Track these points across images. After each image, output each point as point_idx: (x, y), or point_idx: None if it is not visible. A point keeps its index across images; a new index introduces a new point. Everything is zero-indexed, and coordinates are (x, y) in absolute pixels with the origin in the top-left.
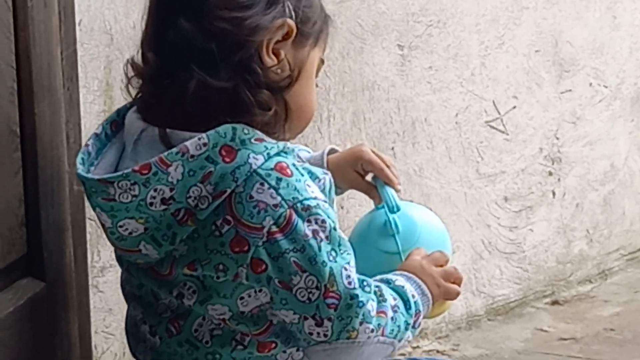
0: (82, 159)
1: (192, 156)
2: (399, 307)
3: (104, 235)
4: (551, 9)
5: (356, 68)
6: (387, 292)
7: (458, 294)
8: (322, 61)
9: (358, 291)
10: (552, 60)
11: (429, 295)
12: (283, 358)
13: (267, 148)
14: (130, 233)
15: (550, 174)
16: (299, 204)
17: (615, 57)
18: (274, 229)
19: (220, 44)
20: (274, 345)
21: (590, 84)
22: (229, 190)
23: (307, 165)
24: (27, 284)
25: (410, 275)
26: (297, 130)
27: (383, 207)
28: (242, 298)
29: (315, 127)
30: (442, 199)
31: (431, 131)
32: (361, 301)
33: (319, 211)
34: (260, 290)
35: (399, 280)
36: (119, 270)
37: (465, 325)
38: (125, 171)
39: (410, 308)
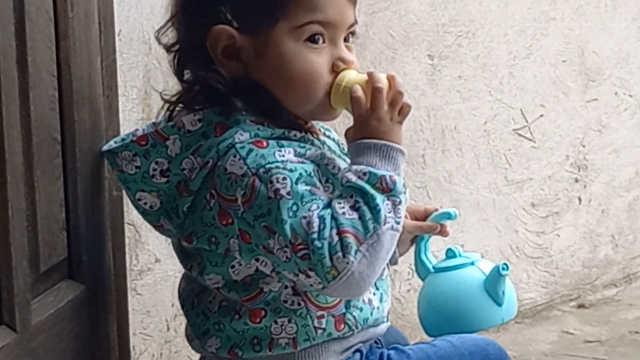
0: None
1: (188, 131)
2: (358, 201)
3: (142, 240)
4: (578, 19)
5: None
6: (342, 205)
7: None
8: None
9: (315, 234)
10: (579, 70)
11: (386, 142)
12: (277, 331)
13: (259, 129)
14: (150, 207)
15: (577, 180)
16: (261, 169)
17: None
18: (244, 199)
19: (186, 47)
20: (263, 313)
21: (616, 93)
22: (211, 162)
23: (301, 159)
24: (67, 287)
25: (360, 142)
26: (298, 102)
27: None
28: (232, 267)
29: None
30: (471, 205)
31: (460, 139)
32: (320, 241)
33: (280, 170)
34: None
35: (349, 172)
36: (156, 273)
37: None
38: (125, 141)
39: (367, 192)
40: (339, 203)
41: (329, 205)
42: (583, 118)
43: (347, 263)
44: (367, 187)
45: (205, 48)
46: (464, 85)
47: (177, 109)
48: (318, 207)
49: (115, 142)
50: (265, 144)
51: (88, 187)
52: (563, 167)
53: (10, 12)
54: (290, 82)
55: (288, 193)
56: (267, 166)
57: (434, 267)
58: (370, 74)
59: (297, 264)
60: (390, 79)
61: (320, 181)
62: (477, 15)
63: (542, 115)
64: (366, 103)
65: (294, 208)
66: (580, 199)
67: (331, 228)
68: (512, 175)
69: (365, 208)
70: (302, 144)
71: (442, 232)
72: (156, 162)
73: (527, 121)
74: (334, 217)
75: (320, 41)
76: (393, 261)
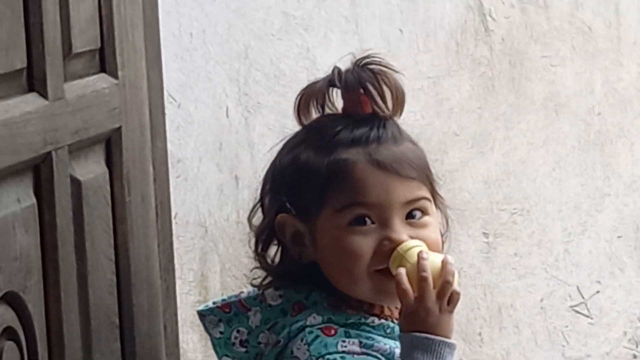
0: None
1: (270, 305)
2: None
3: None
4: (632, 195)
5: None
6: None
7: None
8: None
9: None
10: (634, 245)
11: (434, 337)
12: None
13: (333, 314)
14: None
15: (635, 357)
16: (320, 359)
17: None
18: None
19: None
20: None
21: None
22: (282, 341)
23: (367, 350)
24: None
25: (406, 335)
26: (344, 285)
27: None
28: None
29: None
30: None
31: (517, 316)
32: None
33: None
34: None
35: None
36: None
37: None
38: (211, 306)
39: None
40: None
41: None
42: None
43: None
44: None
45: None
46: (520, 263)
47: None
48: None
49: (206, 305)
50: (333, 331)
51: None
52: (621, 344)
53: (68, 197)
54: (334, 264)
55: None
56: (327, 357)
57: None
58: (421, 261)
59: None
60: (444, 263)
61: None
62: (531, 192)
63: (598, 292)
64: (413, 292)
65: None
66: None
67: None
68: (570, 352)
69: None
70: (373, 334)
71: None
72: (237, 331)
73: (583, 297)
74: None
75: (369, 222)
76: None
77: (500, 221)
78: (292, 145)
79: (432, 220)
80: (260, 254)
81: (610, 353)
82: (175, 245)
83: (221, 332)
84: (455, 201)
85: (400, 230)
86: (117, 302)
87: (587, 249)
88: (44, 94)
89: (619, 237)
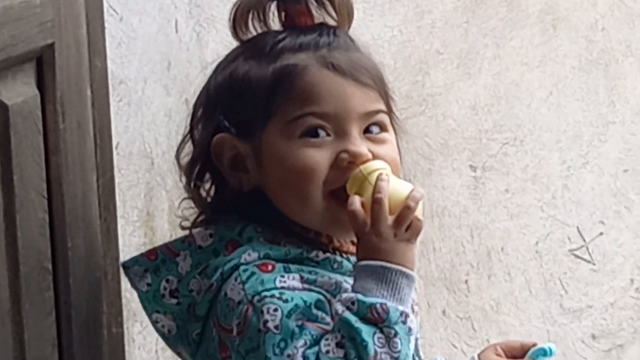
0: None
1: (199, 247)
2: (344, 337)
3: None
4: None
5: (424, 192)
6: (329, 342)
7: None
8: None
9: None
10: None
11: (384, 263)
12: None
13: (271, 249)
14: (169, 331)
15: None
16: (256, 297)
17: None
18: (238, 329)
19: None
20: None
21: None
22: (215, 285)
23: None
24: None
25: (358, 264)
26: (294, 208)
27: None
28: None
29: None
30: (522, 337)
31: (509, 261)
32: None
33: (274, 300)
34: None
35: (337, 302)
36: None
37: None
38: (136, 255)
39: (351, 326)
40: (326, 340)
41: (320, 340)
42: None
43: None
44: (353, 319)
45: (212, 161)
46: (512, 200)
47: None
48: (305, 343)
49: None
50: (271, 267)
51: (84, 323)
52: (627, 293)
53: None
54: (284, 183)
55: (276, 327)
56: (263, 294)
57: None
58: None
59: None
60: (410, 189)
61: (326, 312)
62: (525, 119)
63: (601, 233)
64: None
65: (281, 345)
66: None
67: None
68: (569, 302)
69: (349, 345)
70: (318, 269)
71: None
72: (166, 280)
73: (584, 240)
74: (318, 357)
75: (323, 134)
76: None
77: (490, 152)
78: (227, 62)
79: (391, 137)
80: (193, 188)
81: (615, 304)
82: (116, 180)
83: (148, 285)
84: (439, 129)
85: (360, 144)
86: (50, 244)
87: (589, 185)
88: None
89: (624, 170)
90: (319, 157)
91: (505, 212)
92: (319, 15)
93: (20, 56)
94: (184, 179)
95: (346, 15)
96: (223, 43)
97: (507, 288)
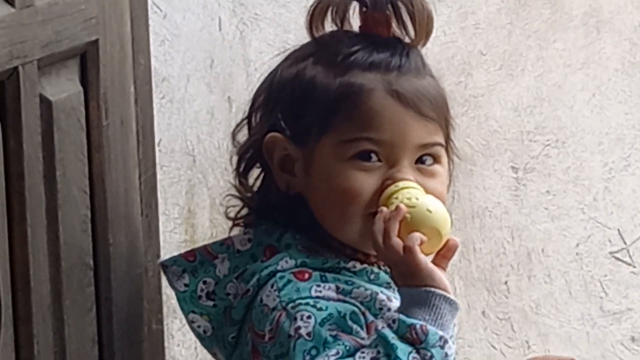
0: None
1: (238, 251)
2: (380, 352)
3: None
4: None
5: (465, 193)
6: (364, 355)
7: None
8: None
9: None
10: None
11: (427, 288)
12: None
13: (308, 258)
14: (204, 332)
15: None
16: (290, 304)
17: None
18: (270, 335)
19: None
20: None
21: None
22: (251, 290)
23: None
24: None
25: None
26: (334, 225)
27: None
28: None
29: None
30: (561, 339)
31: (549, 263)
32: None
33: (308, 307)
34: None
35: (380, 319)
36: None
37: None
38: (175, 255)
39: (388, 342)
40: (362, 353)
41: (354, 353)
42: None
43: None
44: (390, 336)
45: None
46: (553, 202)
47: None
48: (338, 353)
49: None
50: (307, 275)
51: (124, 320)
52: None
53: (36, 119)
54: (327, 199)
55: (308, 334)
56: (298, 301)
57: None
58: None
59: None
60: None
61: (361, 325)
62: (568, 121)
63: None
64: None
65: (312, 352)
66: None
67: None
68: (609, 305)
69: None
70: (354, 279)
71: None
72: (204, 282)
73: (625, 243)
74: None
75: (375, 159)
76: None
77: (532, 154)
78: (298, 58)
79: (443, 170)
80: (241, 174)
81: None
82: (158, 177)
83: (186, 285)
84: (481, 130)
85: (407, 173)
86: (92, 241)
87: (631, 188)
88: (10, 1)
89: None
90: (366, 181)
91: (546, 213)
92: (397, 27)
93: (65, 52)
94: (235, 161)
95: (424, 33)
96: (266, 42)
97: (547, 290)
